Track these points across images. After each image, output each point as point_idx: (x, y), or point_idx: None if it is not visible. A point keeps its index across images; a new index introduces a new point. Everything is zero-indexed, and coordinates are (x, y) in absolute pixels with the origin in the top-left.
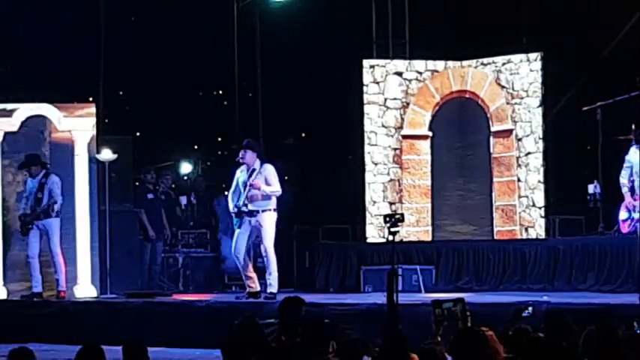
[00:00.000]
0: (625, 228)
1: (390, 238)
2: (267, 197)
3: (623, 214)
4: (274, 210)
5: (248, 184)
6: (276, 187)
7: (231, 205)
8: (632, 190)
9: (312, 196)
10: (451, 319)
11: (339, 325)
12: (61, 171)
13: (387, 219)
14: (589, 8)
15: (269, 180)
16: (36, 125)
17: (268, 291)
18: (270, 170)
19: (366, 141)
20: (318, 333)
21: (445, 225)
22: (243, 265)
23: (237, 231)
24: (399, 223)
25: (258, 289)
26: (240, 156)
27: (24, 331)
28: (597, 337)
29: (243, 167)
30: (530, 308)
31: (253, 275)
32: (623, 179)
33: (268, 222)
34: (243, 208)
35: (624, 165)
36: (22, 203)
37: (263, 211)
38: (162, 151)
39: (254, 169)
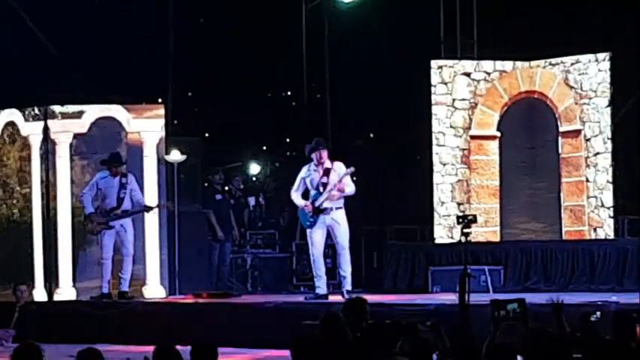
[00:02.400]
0: None
1: (463, 239)
2: (340, 196)
3: None
4: (343, 208)
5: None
6: (352, 187)
7: (300, 202)
8: None
9: (380, 196)
10: (515, 320)
11: (413, 324)
12: (133, 172)
13: (460, 220)
14: None
15: (344, 179)
16: (113, 126)
17: (345, 289)
18: (343, 168)
19: (434, 141)
20: (383, 333)
21: (515, 223)
22: (318, 264)
23: (310, 229)
24: (472, 224)
25: (326, 291)
26: (321, 157)
27: (92, 332)
28: None
29: (312, 166)
30: (598, 313)
31: (324, 276)
32: None
33: (343, 219)
34: (322, 206)
35: None
36: (94, 202)
37: (337, 208)
38: (231, 152)
39: (328, 168)
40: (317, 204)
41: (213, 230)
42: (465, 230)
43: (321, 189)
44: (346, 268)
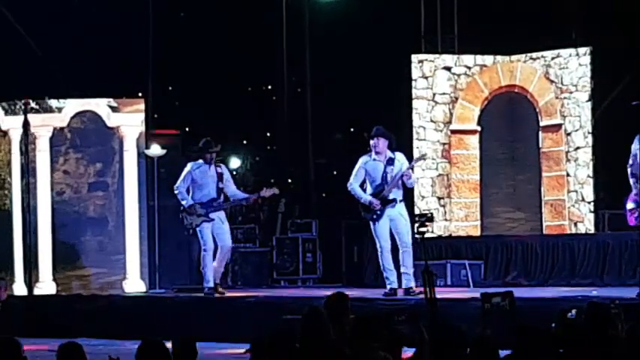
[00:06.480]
0: (632, 220)
1: (418, 237)
2: (400, 187)
3: (630, 205)
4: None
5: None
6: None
7: (367, 198)
8: None
9: None
10: (500, 313)
11: (388, 320)
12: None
13: (417, 218)
14: (638, 1)
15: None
16: (101, 120)
17: (408, 286)
18: (405, 159)
19: (415, 136)
20: (363, 327)
21: (496, 212)
22: (388, 258)
23: (376, 223)
24: (428, 223)
25: (397, 285)
26: (373, 144)
27: (73, 326)
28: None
29: (373, 156)
30: (573, 311)
31: (394, 270)
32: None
33: (406, 214)
34: (389, 197)
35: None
36: (193, 193)
37: (400, 201)
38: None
39: (391, 158)
40: (385, 194)
41: None
42: (421, 229)
43: (388, 179)
44: (409, 265)
